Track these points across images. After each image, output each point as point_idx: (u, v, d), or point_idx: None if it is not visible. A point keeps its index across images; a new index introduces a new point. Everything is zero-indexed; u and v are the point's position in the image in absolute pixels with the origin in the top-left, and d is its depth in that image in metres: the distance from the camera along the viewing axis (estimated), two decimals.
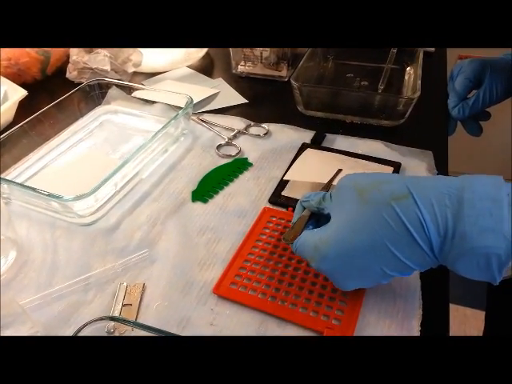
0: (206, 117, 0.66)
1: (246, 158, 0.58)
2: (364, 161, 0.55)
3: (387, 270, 0.34)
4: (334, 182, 0.47)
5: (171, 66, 0.81)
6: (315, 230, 0.38)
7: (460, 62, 0.67)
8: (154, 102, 0.66)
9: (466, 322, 1.32)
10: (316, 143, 0.59)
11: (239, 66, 0.78)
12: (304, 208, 0.40)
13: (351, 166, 0.53)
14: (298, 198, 0.50)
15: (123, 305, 0.40)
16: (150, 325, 0.38)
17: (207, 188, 0.53)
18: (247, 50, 0.75)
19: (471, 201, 0.30)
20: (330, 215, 0.37)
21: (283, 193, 0.52)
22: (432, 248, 0.31)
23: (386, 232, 0.32)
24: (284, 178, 0.52)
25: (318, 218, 0.40)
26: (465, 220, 0.30)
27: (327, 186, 0.46)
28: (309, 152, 0.57)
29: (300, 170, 0.52)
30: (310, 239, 0.37)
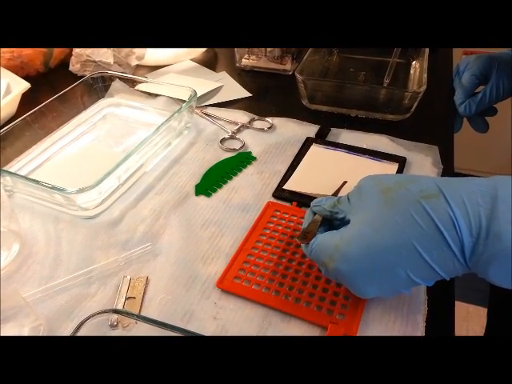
0: (210, 110, 0.66)
1: (250, 152, 0.58)
2: (369, 160, 0.54)
3: (412, 274, 0.31)
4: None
5: (174, 59, 0.80)
6: (333, 231, 0.35)
7: (466, 57, 0.66)
8: (157, 95, 0.66)
9: (468, 318, 1.31)
10: (321, 137, 0.59)
11: (243, 60, 0.78)
12: (315, 214, 0.39)
13: (356, 168, 0.53)
14: (302, 192, 0.50)
15: (126, 298, 0.40)
16: (153, 318, 0.37)
17: (211, 182, 0.53)
18: None
19: (506, 198, 0.28)
20: (345, 219, 0.35)
21: (286, 187, 0.51)
22: (463, 250, 0.29)
23: (414, 231, 0.30)
24: (284, 187, 0.51)
25: (329, 224, 0.38)
26: (499, 218, 0.28)
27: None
28: (311, 154, 0.56)
29: (301, 179, 0.52)
30: (330, 239, 0.35)
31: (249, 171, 0.55)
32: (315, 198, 0.40)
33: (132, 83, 0.66)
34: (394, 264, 0.31)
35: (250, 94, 0.70)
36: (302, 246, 0.38)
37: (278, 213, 0.48)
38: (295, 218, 0.47)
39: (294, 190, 0.50)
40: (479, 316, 1.29)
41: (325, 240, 0.35)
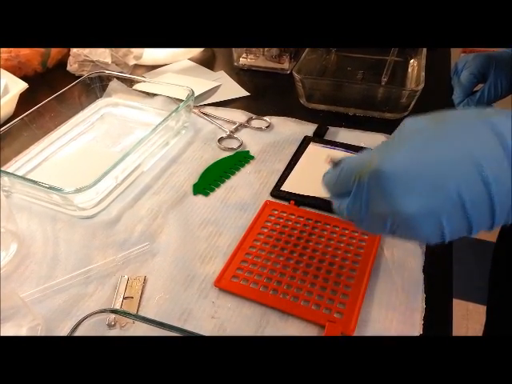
0: (208, 110, 0.66)
1: (248, 151, 0.58)
2: None
3: (464, 192, 0.26)
4: None
5: (172, 59, 0.80)
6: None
7: (464, 56, 0.66)
8: (155, 95, 0.66)
9: (468, 316, 1.31)
10: (318, 136, 0.59)
11: (241, 59, 0.78)
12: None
13: None
14: (299, 194, 0.50)
15: (124, 298, 0.40)
16: (151, 317, 0.37)
17: (209, 181, 0.53)
18: None
19: None
20: None
21: (283, 188, 0.51)
22: None
23: (476, 143, 0.26)
24: (282, 189, 0.51)
25: None
26: None
27: None
28: (309, 153, 0.56)
29: (299, 178, 0.52)
30: (369, 151, 0.30)
31: (247, 170, 0.55)
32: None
33: (130, 83, 0.66)
34: (446, 176, 0.26)
35: (248, 93, 0.70)
36: (326, 178, 0.34)
37: (276, 212, 0.48)
38: (293, 216, 0.47)
39: (291, 191, 0.50)
40: (479, 314, 1.29)
41: (362, 153, 0.31)
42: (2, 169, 0.51)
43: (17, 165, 0.56)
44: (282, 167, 0.54)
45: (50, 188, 0.45)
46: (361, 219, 0.31)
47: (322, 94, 0.64)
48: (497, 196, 0.26)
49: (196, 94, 0.61)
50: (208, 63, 0.81)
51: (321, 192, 0.47)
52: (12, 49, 0.71)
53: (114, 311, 0.38)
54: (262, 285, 0.40)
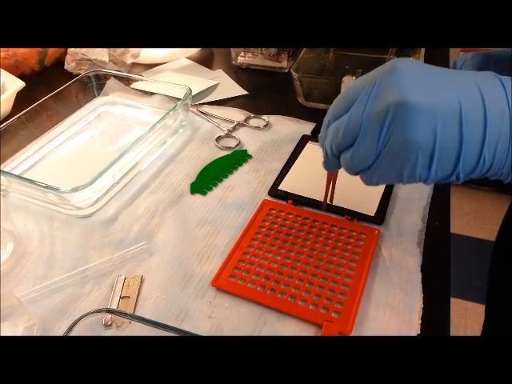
0: (206, 108, 0.66)
1: (246, 150, 0.57)
2: None
3: (462, 99, 0.29)
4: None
5: (170, 57, 0.80)
6: None
7: (463, 54, 0.66)
8: (152, 94, 0.66)
9: (467, 315, 1.31)
10: (316, 135, 0.59)
11: (239, 57, 0.78)
12: None
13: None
14: (297, 194, 0.50)
15: (121, 297, 0.40)
16: (147, 317, 0.37)
17: (206, 180, 0.53)
18: None
19: None
20: None
21: (281, 187, 0.51)
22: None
23: (477, 75, 0.32)
24: (279, 188, 0.51)
25: None
26: None
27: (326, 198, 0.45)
28: (307, 152, 0.56)
29: (297, 177, 0.52)
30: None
31: (244, 169, 0.55)
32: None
33: (127, 81, 0.66)
34: (451, 83, 0.30)
35: (246, 92, 0.70)
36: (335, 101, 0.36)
37: (274, 211, 0.48)
38: (291, 215, 0.47)
39: (289, 190, 0.50)
40: (477, 313, 1.30)
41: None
42: None
43: (13, 164, 0.56)
44: (279, 166, 0.54)
45: (47, 187, 0.45)
46: (358, 126, 0.31)
47: (321, 93, 0.64)
48: (489, 114, 0.29)
49: (194, 92, 0.61)
50: (206, 62, 0.80)
51: (318, 191, 0.47)
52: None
53: (110, 311, 0.38)
54: (259, 284, 0.40)
